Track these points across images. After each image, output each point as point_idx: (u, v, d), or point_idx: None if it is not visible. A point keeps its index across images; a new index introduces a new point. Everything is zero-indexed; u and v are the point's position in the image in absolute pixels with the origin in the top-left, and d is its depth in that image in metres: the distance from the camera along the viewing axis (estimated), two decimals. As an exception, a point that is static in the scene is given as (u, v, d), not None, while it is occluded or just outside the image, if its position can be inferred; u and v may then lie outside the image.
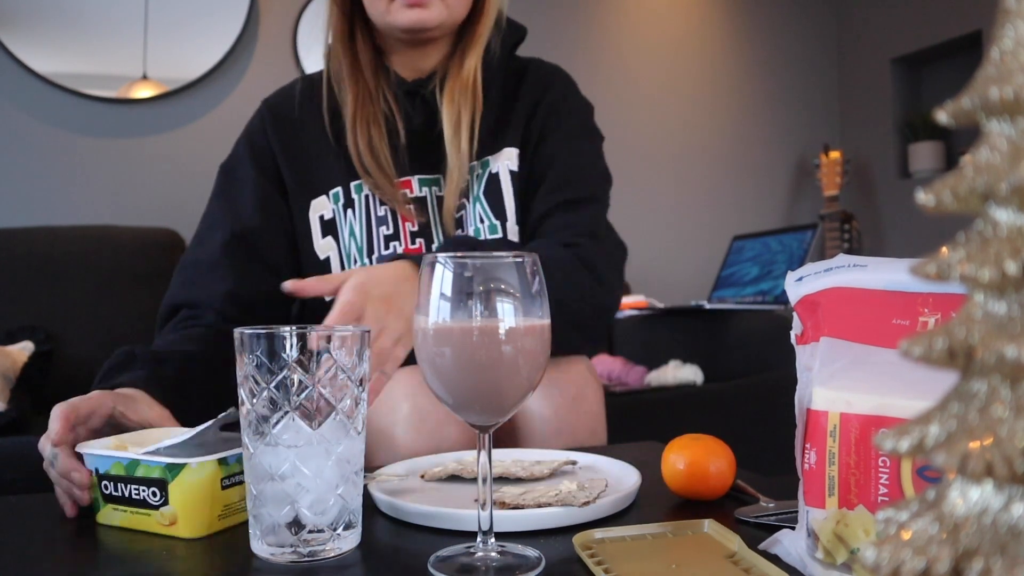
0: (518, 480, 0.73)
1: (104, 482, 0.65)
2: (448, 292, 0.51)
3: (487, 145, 1.06)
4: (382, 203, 1.05)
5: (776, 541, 0.53)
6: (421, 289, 0.53)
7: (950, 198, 0.24)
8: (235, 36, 2.52)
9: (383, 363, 0.79)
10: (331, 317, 0.76)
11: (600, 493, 0.66)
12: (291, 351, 0.55)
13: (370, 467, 0.75)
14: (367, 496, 0.65)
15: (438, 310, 0.51)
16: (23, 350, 1.80)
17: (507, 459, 0.80)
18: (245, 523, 0.63)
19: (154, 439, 0.69)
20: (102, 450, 0.66)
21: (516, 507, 0.63)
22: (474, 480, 0.72)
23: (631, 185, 3.08)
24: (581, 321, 0.94)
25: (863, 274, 0.50)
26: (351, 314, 0.76)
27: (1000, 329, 0.24)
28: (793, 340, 0.54)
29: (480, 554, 0.54)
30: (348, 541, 0.57)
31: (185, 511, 0.61)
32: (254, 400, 0.56)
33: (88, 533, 0.65)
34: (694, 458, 0.67)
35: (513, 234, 1.03)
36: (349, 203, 1.06)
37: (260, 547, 0.56)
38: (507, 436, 0.95)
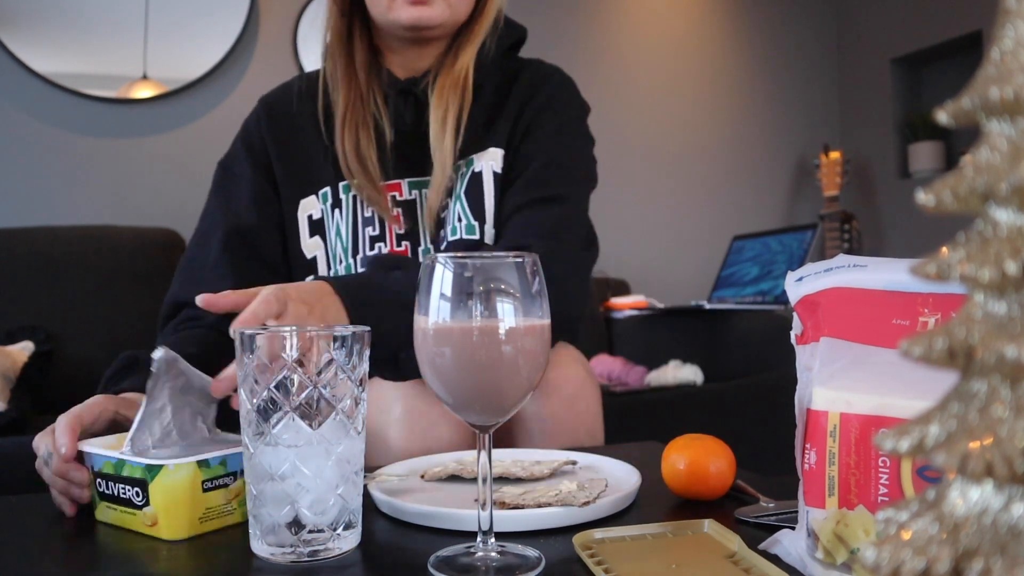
0: (518, 480, 0.73)
1: (99, 480, 0.66)
2: (448, 292, 0.51)
3: (473, 144, 1.04)
4: (369, 205, 1.04)
5: (776, 541, 0.53)
6: (421, 289, 0.53)
7: (950, 198, 0.24)
8: (235, 36, 2.52)
9: None
10: (247, 312, 0.71)
11: (600, 493, 0.66)
12: (291, 351, 0.55)
13: (364, 468, 0.75)
14: (367, 496, 0.66)
15: (438, 310, 0.51)
16: (23, 350, 1.80)
17: (507, 459, 0.80)
18: (236, 525, 0.64)
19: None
20: (97, 448, 0.66)
21: (516, 507, 0.63)
22: (474, 480, 0.72)
23: (631, 185, 3.08)
24: None
25: (863, 274, 0.50)
26: (269, 309, 0.72)
27: (1000, 329, 0.24)
28: (793, 340, 0.54)
29: (480, 554, 0.54)
30: (348, 541, 0.57)
31: (164, 512, 0.61)
32: (254, 400, 0.56)
33: (88, 533, 0.65)
34: (694, 458, 0.67)
35: (490, 237, 1.02)
36: (337, 203, 1.05)
37: (260, 547, 0.56)
38: (504, 437, 0.95)
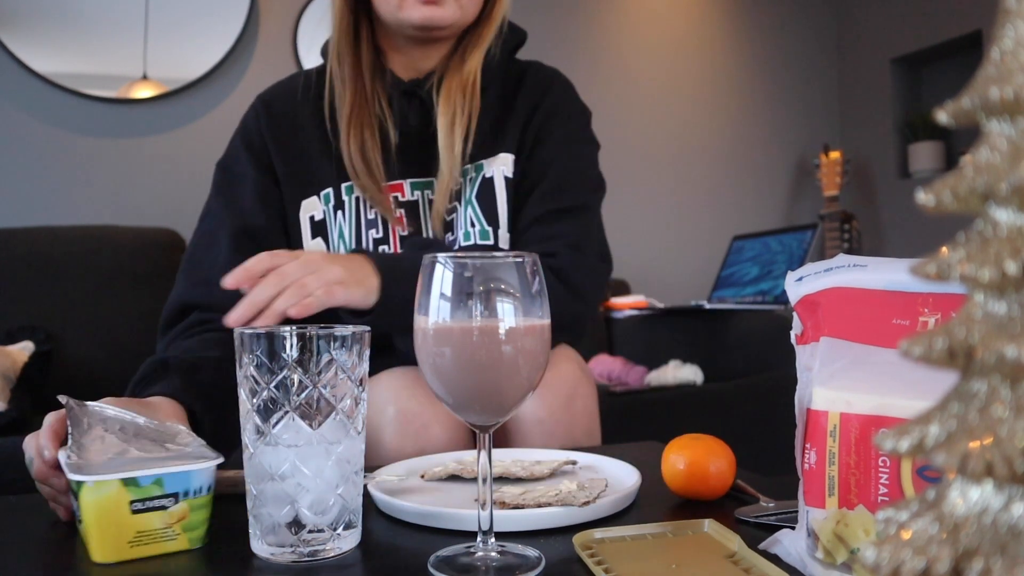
0: (518, 480, 0.73)
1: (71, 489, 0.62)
2: (448, 292, 0.51)
3: (482, 148, 1.05)
4: (372, 206, 1.04)
5: (776, 541, 0.53)
6: (421, 289, 0.53)
7: (950, 198, 0.24)
8: (235, 36, 2.52)
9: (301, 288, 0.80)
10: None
11: (600, 493, 0.66)
12: (291, 351, 0.55)
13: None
14: (367, 496, 0.65)
15: (438, 310, 0.51)
16: (23, 350, 1.80)
17: (507, 459, 0.80)
18: (179, 553, 0.58)
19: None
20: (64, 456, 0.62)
21: (516, 507, 0.63)
22: (474, 480, 0.72)
23: (631, 185, 3.08)
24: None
25: (863, 274, 0.50)
26: (272, 260, 0.81)
27: (1000, 329, 0.24)
28: (793, 340, 0.54)
29: (480, 554, 0.54)
30: (348, 541, 0.57)
31: (91, 532, 0.56)
32: (254, 400, 0.56)
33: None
34: (694, 458, 0.67)
35: (504, 241, 1.02)
36: (339, 205, 1.05)
37: (260, 547, 0.56)
38: (500, 437, 0.95)
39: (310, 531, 0.55)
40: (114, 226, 2.15)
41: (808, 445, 0.49)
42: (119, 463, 0.58)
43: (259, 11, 2.59)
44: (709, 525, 0.58)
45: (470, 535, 0.57)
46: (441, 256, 0.52)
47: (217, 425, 0.81)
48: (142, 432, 0.64)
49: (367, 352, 0.59)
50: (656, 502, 0.69)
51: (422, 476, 0.75)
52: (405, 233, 1.03)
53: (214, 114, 2.52)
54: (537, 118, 1.06)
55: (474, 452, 0.81)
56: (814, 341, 0.52)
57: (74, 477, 0.56)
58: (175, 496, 0.58)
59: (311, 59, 2.60)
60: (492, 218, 1.03)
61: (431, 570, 0.52)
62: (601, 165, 1.12)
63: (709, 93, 3.28)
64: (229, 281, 0.80)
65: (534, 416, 0.94)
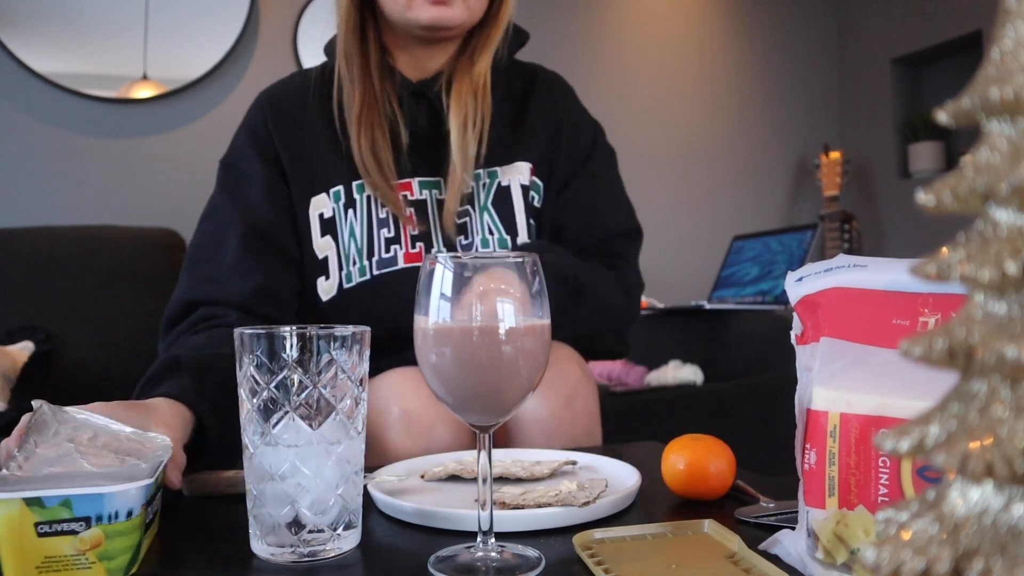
0: (518, 480, 0.73)
1: None
2: (448, 292, 0.51)
3: (496, 153, 1.05)
4: (383, 205, 1.04)
5: (776, 541, 0.53)
6: (421, 289, 0.53)
7: (950, 198, 0.24)
8: (235, 36, 2.52)
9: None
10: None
11: (600, 493, 0.66)
12: (291, 351, 0.55)
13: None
14: (367, 496, 0.65)
15: (438, 310, 0.51)
16: (23, 350, 1.80)
17: (507, 459, 0.80)
18: None
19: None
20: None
21: (516, 507, 0.63)
22: (474, 480, 0.72)
23: (631, 185, 3.05)
24: (613, 326, 1.12)
25: (863, 274, 0.50)
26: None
27: (1000, 329, 0.24)
28: (793, 340, 0.54)
29: (480, 554, 0.54)
30: (348, 541, 0.57)
31: (2, 553, 0.51)
32: (254, 400, 0.56)
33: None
34: (694, 458, 0.67)
35: None
36: (350, 203, 1.04)
37: (260, 547, 0.56)
38: (500, 437, 0.95)
39: (310, 531, 0.55)
40: (114, 226, 2.15)
41: (808, 445, 0.49)
42: (38, 480, 0.53)
43: (259, 11, 2.59)
44: (709, 525, 0.58)
45: (470, 535, 0.57)
46: (441, 256, 0.52)
47: (225, 428, 0.79)
48: (114, 443, 0.60)
49: (367, 352, 0.59)
50: (656, 502, 0.69)
51: (422, 476, 0.75)
52: (416, 232, 1.03)
53: (214, 114, 2.52)
54: (563, 142, 1.10)
55: (474, 452, 0.81)
56: (814, 341, 0.51)
57: None
58: (87, 520, 0.51)
59: (311, 59, 2.60)
60: (510, 227, 1.04)
61: (431, 570, 0.52)
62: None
63: (709, 93, 3.28)
64: None
65: (534, 416, 0.94)
